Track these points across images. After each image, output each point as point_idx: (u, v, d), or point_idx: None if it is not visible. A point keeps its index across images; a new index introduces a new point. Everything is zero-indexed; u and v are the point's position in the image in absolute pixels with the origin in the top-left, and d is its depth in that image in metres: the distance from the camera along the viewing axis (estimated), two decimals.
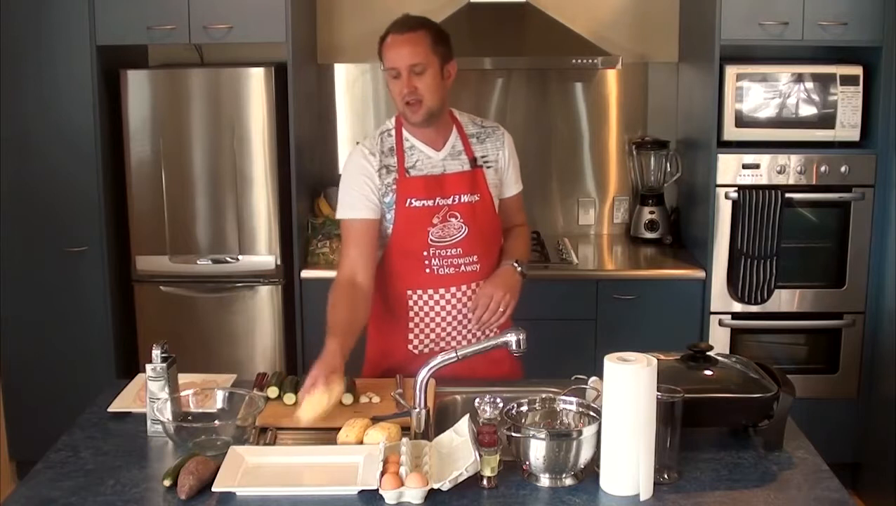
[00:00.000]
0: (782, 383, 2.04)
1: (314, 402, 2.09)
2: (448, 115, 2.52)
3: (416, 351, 2.51)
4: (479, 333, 2.51)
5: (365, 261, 2.42)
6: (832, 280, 3.70)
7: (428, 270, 2.45)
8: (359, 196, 2.44)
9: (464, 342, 2.50)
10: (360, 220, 2.44)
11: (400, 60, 2.35)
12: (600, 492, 1.84)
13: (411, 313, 2.50)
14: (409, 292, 2.48)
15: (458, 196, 2.46)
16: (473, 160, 2.49)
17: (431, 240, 2.44)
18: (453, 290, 2.47)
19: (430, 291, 2.47)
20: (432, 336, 2.50)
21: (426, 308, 2.49)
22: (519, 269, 2.49)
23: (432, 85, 2.37)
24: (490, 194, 2.50)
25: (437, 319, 2.49)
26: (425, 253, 2.44)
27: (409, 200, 2.43)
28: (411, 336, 2.51)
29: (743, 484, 1.88)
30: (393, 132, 2.49)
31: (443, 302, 2.48)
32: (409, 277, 2.47)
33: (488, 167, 2.51)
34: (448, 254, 2.45)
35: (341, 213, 2.48)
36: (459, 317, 2.49)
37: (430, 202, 2.44)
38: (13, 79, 3.61)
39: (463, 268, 2.47)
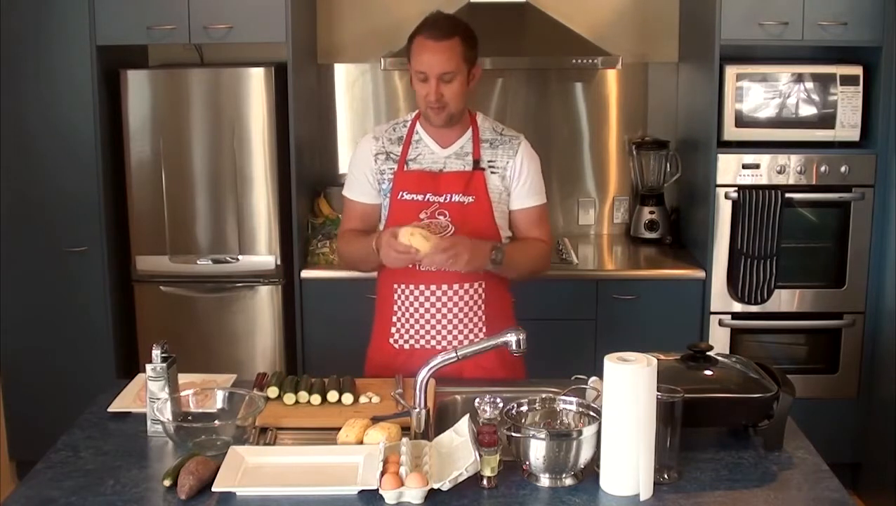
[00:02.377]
0: (782, 383, 2.04)
1: (412, 234, 2.26)
2: (468, 117, 2.52)
3: (395, 345, 2.53)
4: (470, 333, 2.51)
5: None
6: (832, 280, 3.70)
7: (411, 265, 2.45)
8: (356, 180, 2.57)
9: (444, 342, 2.50)
10: (355, 201, 2.58)
11: (431, 68, 2.37)
12: (600, 492, 1.84)
13: (395, 307, 2.53)
14: (395, 286, 2.52)
15: (450, 195, 2.46)
16: (476, 162, 2.49)
17: None
18: (433, 287, 2.48)
19: (412, 287, 2.49)
20: (412, 332, 2.51)
21: (407, 303, 2.50)
22: (493, 253, 2.38)
23: (458, 91, 2.41)
24: (488, 199, 2.48)
25: (416, 316, 2.50)
26: None
27: (401, 193, 2.48)
28: (393, 330, 2.54)
29: (743, 484, 1.88)
30: (408, 123, 2.54)
31: (422, 298, 2.49)
32: (396, 270, 2.48)
33: (493, 173, 2.50)
34: None
35: (344, 190, 2.62)
36: (438, 316, 2.49)
37: (421, 197, 2.46)
38: (13, 79, 3.61)
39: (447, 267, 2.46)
